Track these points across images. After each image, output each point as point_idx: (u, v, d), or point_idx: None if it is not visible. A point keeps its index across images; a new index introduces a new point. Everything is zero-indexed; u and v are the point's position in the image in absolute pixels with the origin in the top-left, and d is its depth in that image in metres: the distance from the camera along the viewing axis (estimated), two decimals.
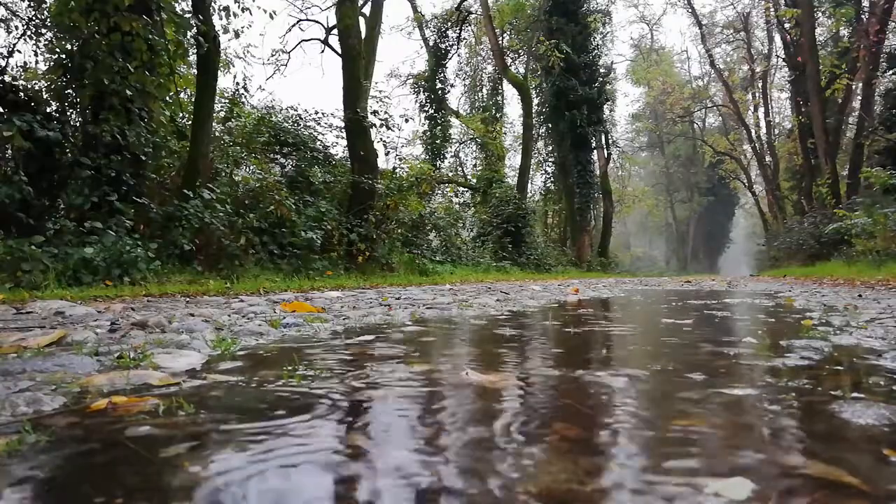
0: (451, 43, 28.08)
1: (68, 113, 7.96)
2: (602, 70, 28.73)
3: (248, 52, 20.57)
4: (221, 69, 11.30)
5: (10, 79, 7.70)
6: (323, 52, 25.87)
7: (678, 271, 46.23)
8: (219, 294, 6.01)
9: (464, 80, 31.58)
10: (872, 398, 1.29)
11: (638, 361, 1.89)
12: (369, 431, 1.08)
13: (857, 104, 23.50)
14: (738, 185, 45.11)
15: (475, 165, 29.62)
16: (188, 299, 5.14)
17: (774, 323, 3.30)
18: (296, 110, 14.52)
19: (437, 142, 26.80)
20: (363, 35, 14.58)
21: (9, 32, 8.48)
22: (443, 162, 27.41)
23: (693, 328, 2.92)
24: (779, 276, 17.73)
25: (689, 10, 35.33)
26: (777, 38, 31.40)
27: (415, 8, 28.08)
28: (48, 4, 8.31)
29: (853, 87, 22.15)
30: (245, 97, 14.01)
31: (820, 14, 24.34)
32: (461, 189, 26.46)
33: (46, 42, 8.43)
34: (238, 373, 1.63)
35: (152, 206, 7.98)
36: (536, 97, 28.15)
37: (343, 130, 13.44)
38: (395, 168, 16.96)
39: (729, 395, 1.34)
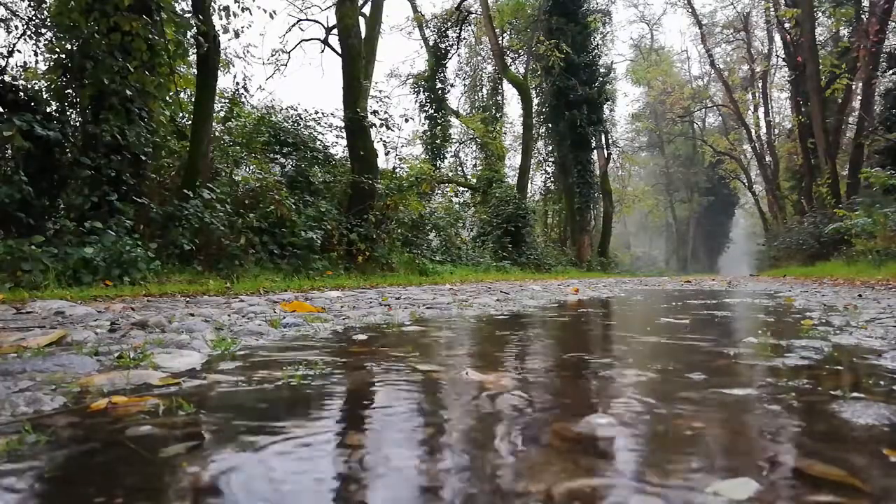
0: (451, 43, 28.08)
1: (68, 113, 7.95)
2: (602, 70, 28.73)
3: (248, 52, 20.55)
4: (221, 69, 11.28)
5: (10, 79, 7.69)
6: (323, 52, 25.86)
7: (678, 271, 46.26)
8: (219, 294, 6.01)
9: (464, 80, 31.62)
10: (872, 398, 1.29)
11: (638, 361, 1.89)
12: (369, 430, 1.08)
13: (857, 104, 23.46)
14: (738, 185, 45.11)
15: (475, 165, 29.63)
16: (188, 299, 5.14)
17: (774, 323, 3.30)
18: (296, 110, 14.52)
19: (437, 142, 26.79)
20: (363, 35, 14.58)
21: (9, 32, 8.47)
22: (443, 162, 27.41)
23: (693, 328, 2.92)
24: (779, 276, 17.73)
25: (689, 10, 35.35)
26: (777, 37, 31.40)
27: (415, 8, 28.08)
28: (48, 4, 8.30)
29: (853, 87, 22.11)
30: (245, 97, 14.00)
31: (820, 14, 24.30)
32: (461, 189, 26.44)
33: (46, 42, 8.42)
34: (238, 372, 1.63)
35: (152, 206, 7.98)
36: (536, 97, 28.13)
37: (343, 130, 13.45)
38: (395, 168, 16.98)
39: (729, 395, 1.34)
